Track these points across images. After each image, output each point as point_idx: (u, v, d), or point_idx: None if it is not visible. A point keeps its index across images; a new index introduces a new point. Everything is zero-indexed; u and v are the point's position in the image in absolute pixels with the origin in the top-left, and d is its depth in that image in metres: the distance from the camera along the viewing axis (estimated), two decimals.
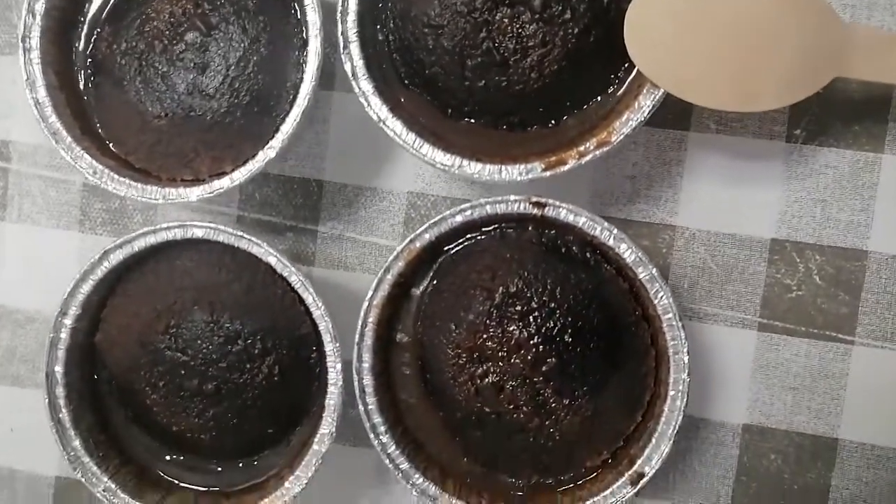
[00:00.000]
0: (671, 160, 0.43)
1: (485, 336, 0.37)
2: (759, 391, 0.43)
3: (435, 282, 0.39)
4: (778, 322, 0.42)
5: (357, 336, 0.38)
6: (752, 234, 0.42)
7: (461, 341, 0.38)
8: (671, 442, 0.36)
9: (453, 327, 0.38)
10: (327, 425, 0.39)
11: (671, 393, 0.36)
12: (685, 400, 0.36)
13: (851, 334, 0.42)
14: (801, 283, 0.42)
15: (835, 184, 0.42)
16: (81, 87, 0.43)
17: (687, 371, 0.36)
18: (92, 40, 0.42)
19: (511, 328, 0.37)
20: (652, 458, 0.37)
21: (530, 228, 0.38)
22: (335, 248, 0.46)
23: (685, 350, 0.36)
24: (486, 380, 0.37)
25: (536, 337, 0.37)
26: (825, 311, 0.42)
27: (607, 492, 0.37)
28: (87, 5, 0.43)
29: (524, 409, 0.37)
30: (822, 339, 0.42)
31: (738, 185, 0.42)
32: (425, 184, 0.45)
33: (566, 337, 0.36)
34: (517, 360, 0.37)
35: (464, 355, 0.38)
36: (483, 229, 0.39)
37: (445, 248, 0.39)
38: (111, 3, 0.42)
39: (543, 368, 0.37)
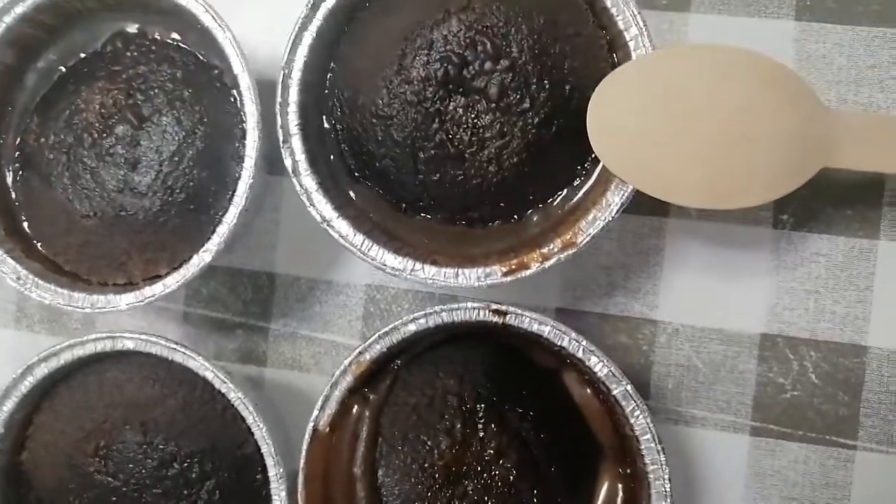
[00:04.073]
0: (649, 249, 0.39)
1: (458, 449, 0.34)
2: (756, 502, 0.39)
3: (390, 395, 0.36)
4: (772, 426, 0.38)
5: (302, 462, 0.34)
6: (740, 328, 0.39)
7: (433, 459, 0.34)
8: None
9: (424, 441, 0.34)
10: None
11: None
12: None
13: (853, 438, 0.38)
14: (796, 382, 0.38)
15: (828, 273, 0.38)
16: (9, 181, 0.39)
17: (669, 500, 0.32)
18: (20, 131, 0.39)
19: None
20: None
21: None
22: (288, 347, 0.42)
23: (666, 477, 0.32)
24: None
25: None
26: (823, 412, 0.38)
27: None
28: (16, 94, 0.40)
29: None
30: (822, 443, 0.38)
31: (723, 275, 0.39)
32: (384, 276, 0.41)
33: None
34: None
35: (438, 474, 0.34)
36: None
37: (398, 357, 0.36)
38: (41, 92, 0.39)
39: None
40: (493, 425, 0.34)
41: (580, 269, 0.40)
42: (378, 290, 0.41)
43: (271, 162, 0.41)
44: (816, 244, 0.38)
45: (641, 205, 0.39)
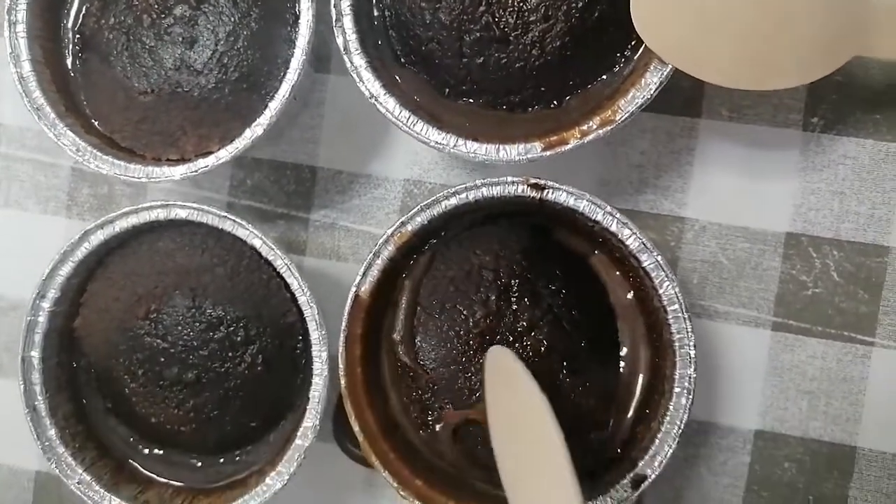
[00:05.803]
0: (681, 148, 0.41)
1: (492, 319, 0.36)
2: (773, 395, 0.40)
3: (429, 269, 0.37)
4: (793, 321, 0.40)
5: (344, 323, 0.36)
6: (765, 227, 0.40)
7: (468, 328, 0.36)
8: (675, 443, 0.34)
9: (461, 310, 0.36)
10: (311, 418, 0.36)
11: (676, 390, 0.34)
12: (691, 398, 0.34)
13: (871, 335, 0.39)
14: (818, 280, 0.40)
15: (854, 175, 0.39)
16: (68, 62, 0.41)
17: (693, 366, 0.34)
18: (80, 15, 0.41)
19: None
20: (655, 459, 0.34)
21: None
22: (327, 237, 0.44)
23: (691, 344, 0.34)
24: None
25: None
26: (843, 310, 0.39)
27: (608, 494, 0.34)
28: None
29: None
30: (840, 339, 0.40)
31: (751, 175, 0.40)
32: (422, 171, 0.43)
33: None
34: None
35: (472, 342, 0.35)
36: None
37: (437, 236, 0.37)
38: None
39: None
40: (526, 300, 0.36)
41: (612, 166, 0.41)
42: (415, 184, 0.43)
43: (318, 59, 0.43)
44: (844, 147, 0.39)
45: (675, 104, 0.40)
